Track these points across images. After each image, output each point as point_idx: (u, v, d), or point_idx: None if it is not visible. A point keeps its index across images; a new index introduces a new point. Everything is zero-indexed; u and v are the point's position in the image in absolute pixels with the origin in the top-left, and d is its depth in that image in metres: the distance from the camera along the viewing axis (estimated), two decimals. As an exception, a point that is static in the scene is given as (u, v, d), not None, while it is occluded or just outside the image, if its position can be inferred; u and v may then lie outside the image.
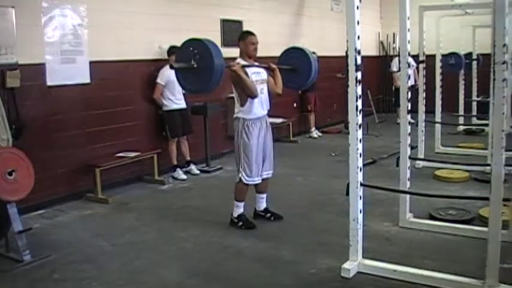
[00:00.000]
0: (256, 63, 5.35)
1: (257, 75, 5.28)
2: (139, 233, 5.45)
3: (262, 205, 5.69)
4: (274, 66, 5.43)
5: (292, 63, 5.60)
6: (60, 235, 5.43)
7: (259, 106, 5.28)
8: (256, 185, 5.51)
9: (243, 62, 5.20)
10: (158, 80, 7.51)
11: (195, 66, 4.42)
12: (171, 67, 4.58)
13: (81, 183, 6.73)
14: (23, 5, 5.97)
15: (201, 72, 4.43)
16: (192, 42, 4.51)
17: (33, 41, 6.13)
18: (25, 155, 4.75)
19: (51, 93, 6.34)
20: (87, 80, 6.79)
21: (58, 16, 6.39)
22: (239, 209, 5.45)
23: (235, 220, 5.44)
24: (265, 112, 5.39)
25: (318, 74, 5.67)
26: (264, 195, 5.67)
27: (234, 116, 5.35)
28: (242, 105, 5.23)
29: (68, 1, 6.48)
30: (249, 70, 5.19)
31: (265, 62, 5.42)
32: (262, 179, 5.49)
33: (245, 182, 5.31)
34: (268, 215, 5.66)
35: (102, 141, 7.04)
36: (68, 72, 6.53)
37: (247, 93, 5.12)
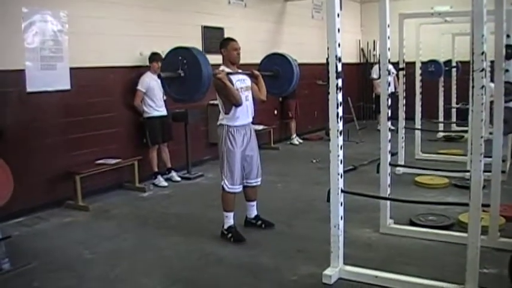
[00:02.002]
0: (240, 71, 5.33)
1: (242, 83, 5.23)
2: (119, 240, 5.41)
3: (253, 213, 5.64)
4: (257, 73, 5.42)
5: (274, 69, 5.63)
6: (40, 243, 5.37)
7: (244, 113, 5.22)
8: (245, 192, 5.48)
9: (227, 70, 5.15)
10: (139, 87, 7.48)
11: (182, 75, 4.41)
12: (159, 76, 4.55)
13: (61, 190, 6.66)
14: (2, 11, 5.92)
15: (188, 81, 4.41)
16: (179, 51, 4.50)
17: (13, 47, 6.08)
18: (4, 162, 4.70)
19: (30, 99, 6.28)
20: (68, 87, 6.74)
21: (38, 22, 6.33)
22: (229, 219, 5.31)
23: (225, 232, 5.31)
24: (250, 119, 5.34)
25: (299, 80, 5.70)
26: (254, 203, 5.62)
27: (218, 123, 5.28)
28: (226, 112, 5.17)
29: (49, 7, 6.44)
30: (234, 77, 5.15)
31: (246, 69, 5.41)
32: (252, 187, 5.48)
33: (227, 190, 5.22)
34: (259, 222, 5.62)
35: (82, 148, 6.98)
36: (48, 78, 6.48)
37: (232, 102, 5.07)
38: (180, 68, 4.41)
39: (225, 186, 5.24)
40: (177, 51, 4.53)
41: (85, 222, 6.07)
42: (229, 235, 5.28)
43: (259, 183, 5.53)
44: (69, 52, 6.71)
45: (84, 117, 7.00)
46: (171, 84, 4.55)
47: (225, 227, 5.33)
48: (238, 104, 5.09)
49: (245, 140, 5.27)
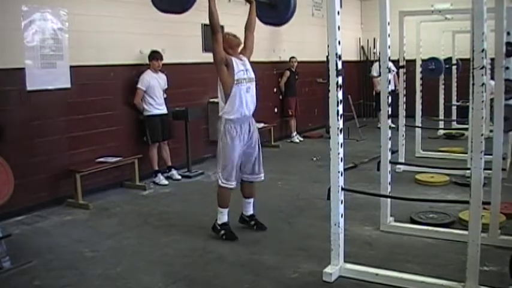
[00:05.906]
0: (242, 58, 5.27)
1: (245, 73, 5.15)
2: (120, 238, 5.41)
3: (249, 210, 5.53)
4: None
5: None
6: (40, 241, 5.37)
7: (244, 105, 5.10)
8: (241, 188, 5.40)
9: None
10: (139, 85, 7.48)
11: None
12: None
13: (62, 188, 6.66)
14: (2, 9, 5.92)
15: None
16: None
17: (13, 46, 6.07)
18: (4, 160, 4.70)
19: (31, 98, 6.28)
20: (68, 85, 6.73)
21: (38, 20, 6.32)
22: (223, 216, 5.25)
23: (218, 227, 5.27)
24: (250, 113, 5.21)
25: (295, 10, 5.47)
26: (250, 200, 5.50)
27: (219, 114, 5.20)
28: (225, 101, 5.08)
29: (49, 5, 6.43)
30: (237, 67, 5.08)
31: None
32: (249, 182, 5.39)
33: (221, 184, 5.15)
34: (252, 223, 5.51)
35: (82, 147, 6.98)
36: (48, 77, 6.47)
37: (209, 19, 5.18)
38: None
39: (219, 181, 5.18)
40: None
41: (85, 221, 6.07)
42: (222, 232, 5.24)
43: (258, 179, 5.43)
44: (69, 50, 6.70)
45: (85, 115, 7.00)
46: None
47: (219, 222, 5.27)
48: (210, 12, 5.15)
49: (245, 134, 5.17)
